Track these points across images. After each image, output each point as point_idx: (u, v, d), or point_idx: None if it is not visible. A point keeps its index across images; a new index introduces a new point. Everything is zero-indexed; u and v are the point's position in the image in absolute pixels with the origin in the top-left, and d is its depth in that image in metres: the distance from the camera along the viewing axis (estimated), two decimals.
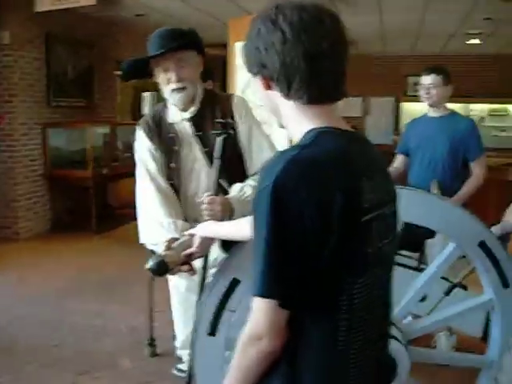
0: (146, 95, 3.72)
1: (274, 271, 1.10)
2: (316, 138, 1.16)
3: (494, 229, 2.35)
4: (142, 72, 2.55)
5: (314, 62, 1.15)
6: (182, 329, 2.87)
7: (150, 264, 1.98)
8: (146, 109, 3.54)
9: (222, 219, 2.22)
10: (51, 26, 7.31)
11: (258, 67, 1.22)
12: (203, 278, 2.34)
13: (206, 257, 2.30)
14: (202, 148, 2.52)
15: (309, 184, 1.07)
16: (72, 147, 7.81)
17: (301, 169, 1.09)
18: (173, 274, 2.11)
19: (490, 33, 8.95)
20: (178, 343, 3.03)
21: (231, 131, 2.35)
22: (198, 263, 2.45)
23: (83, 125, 7.66)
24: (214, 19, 7.47)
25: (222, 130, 2.30)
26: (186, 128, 2.55)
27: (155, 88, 2.65)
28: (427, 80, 3.72)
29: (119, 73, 2.62)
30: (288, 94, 1.20)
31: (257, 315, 1.15)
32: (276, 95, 1.22)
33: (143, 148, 2.55)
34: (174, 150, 2.54)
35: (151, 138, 2.54)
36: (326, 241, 1.08)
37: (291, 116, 1.24)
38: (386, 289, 1.27)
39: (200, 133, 2.54)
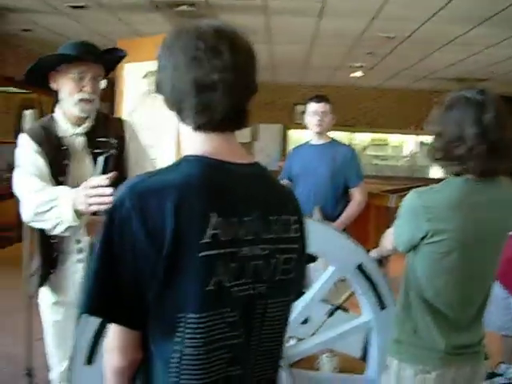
0: (27, 112, 3.57)
1: (99, 289, 1.13)
2: (176, 166, 1.18)
3: (372, 253, 2.45)
4: (45, 74, 2.43)
5: (203, 92, 1.15)
6: (61, 361, 2.73)
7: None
8: (27, 126, 3.36)
9: None
10: None
11: (158, 88, 1.24)
12: None
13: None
14: (93, 164, 2.47)
15: (140, 213, 1.09)
16: None
17: (135, 197, 1.10)
18: None
19: (372, 66, 9.45)
20: (55, 376, 2.88)
21: (112, 151, 2.33)
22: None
23: None
24: (104, 39, 7.36)
25: (103, 149, 2.28)
26: (78, 143, 2.50)
27: (40, 106, 2.57)
28: (320, 107, 3.82)
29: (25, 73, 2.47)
30: (180, 118, 1.22)
31: (110, 331, 1.20)
32: (175, 116, 1.24)
33: (30, 150, 2.42)
34: (64, 163, 2.46)
35: (40, 145, 2.43)
36: (156, 270, 1.09)
37: (185, 138, 1.25)
38: (240, 331, 1.18)
39: (91, 149, 2.49)
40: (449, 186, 1.94)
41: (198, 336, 1.12)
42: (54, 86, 2.47)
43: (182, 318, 1.11)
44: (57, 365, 2.79)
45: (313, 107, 3.85)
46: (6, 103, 9.26)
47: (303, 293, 2.52)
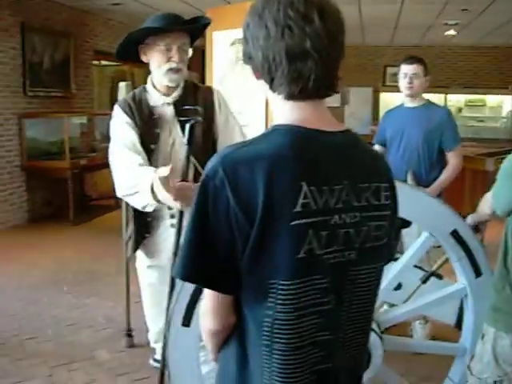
0: (122, 85, 3.70)
1: (193, 257, 1.16)
2: (268, 135, 1.18)
3: (468, 218, 2.37)
4: (136, 48, 2.55)
5: (296, 61, 1.15)
6: (156, 321, 2.87)
7: None
8: (121, 97, 3.51)
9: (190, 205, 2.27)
10: (27, 16, 7.20)
11: (246, 58, 1.25)
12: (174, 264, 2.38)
13: (177, 241, 2.37)
14: (182, 132, 2.55)
15: (233, 182, 1.10)
16: (49, 138, 7.73)
17: (228, 167, 1.11)
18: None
19: (466, 23, 9.02)
20: (151, 336, 3.03)
21: (198, 118, 2.39)
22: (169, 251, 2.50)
23: (60, 115, 7.59)
24: (192, 8, 7.43)
25: (190, 116, 2.35)
26: (168, 112, 2.59)
27: (131, 78, 2.68)
28: (410, 69, 3.68)
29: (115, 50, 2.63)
30: (271, 87, 1.22)
31: (205, 296, 1.24)
32: (265, 85, 1.24)
33: (121, 122, 2.56)
34: (155, 132, 2.57)
35: (131, 116, 2.57)
36: (248, 239, 1.11)
37: (275, 107, 1.25)
38: (331, 297, 1.20)
39: (179, 117, 2.58)
40: None
41: (289, 302, 1.14)
42: (144, 58, 2.57)
43: (274, 285, 1.13)
44: (152, 326, 2.93)
45: (404, 69, 3.72)
46: (99, 76, 9.60)
47: (394, 259, 2.49)
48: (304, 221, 1.11)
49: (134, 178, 2.41)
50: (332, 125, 1.23)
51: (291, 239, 1.11)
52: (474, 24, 9.02)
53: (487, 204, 2.10)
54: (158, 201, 2.33)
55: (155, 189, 2.27)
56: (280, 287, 1.13)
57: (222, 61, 5.33)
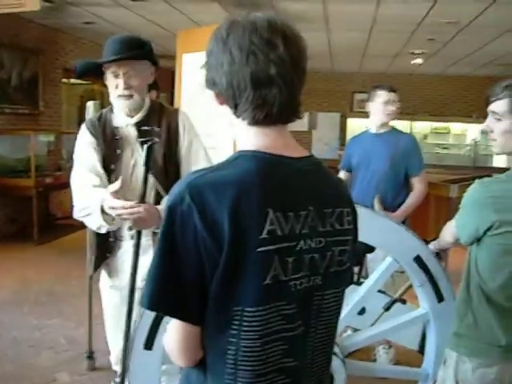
0: (90, 104, 3.70)
1: (161, 285, 1.13)
2: (233, 161, 1.17)
3: (430, 245, 2.41)
4: (95, 71, 2.60)
5: (261, 87, 1.15)
6: (117, 343, 2.82)
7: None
8: (88, 117, 3.51)
9: (148, 227, 2.40)
10: None
11: (209, 83, 1.24)
12: (133, 285, 2.41)
13: (135, 261, 2.38)
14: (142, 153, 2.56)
15: (200, 208, 1.09)
16: (15, 155, 7.61)
17: (194, 193, 1.10)
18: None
19: (433, 53, 9.24)
20: (112, 358, 2.98)
21: (156, 139, 2.40)
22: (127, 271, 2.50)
23: (27, 132, 7.47)
24: (164, 30, 7.45)
25: (147, 137, 2.36)
26: (131, 133, 2.60)
27: (101, 97, 2.70)
28: (392, 96, 3.72)
29: (74, 67, 2.65)
30: (235, 112, 1.22)
31: (172, 330, 1.20)
32: (228, 111, 1.24)
33: (85, 142, 2.59)
34: (116, 152, 2.58)
35: (95, 136, 2.59)
36: (216, 265, 1.09)
37: (238, 133, 1.25)
38: (297, 324, 1.19)
39: (139, 138, 2.58)
40: None
41: (254, 329, 1.13)
42: (106, 82, 2.60)
43: (239, 312, 1.12)
44: (113, 347, 2.89)
45: (385, 96, 3.72)
46: (68, 94, 9.53)
47: (358, 283, 2.51)
48: (270, 247, 1.11)
49: (86, 199, 2.45)
50: (296, 150, 1.24)
51: (258, 266, 1.10)
52: (440, 53, 9.24)
53: (449, 232, 2.13)
54: (111, 222, 2.38)
55: (106, 206, 2.30)
56: (245, 314, 1.12)
57: (191, 82, 5.35)
